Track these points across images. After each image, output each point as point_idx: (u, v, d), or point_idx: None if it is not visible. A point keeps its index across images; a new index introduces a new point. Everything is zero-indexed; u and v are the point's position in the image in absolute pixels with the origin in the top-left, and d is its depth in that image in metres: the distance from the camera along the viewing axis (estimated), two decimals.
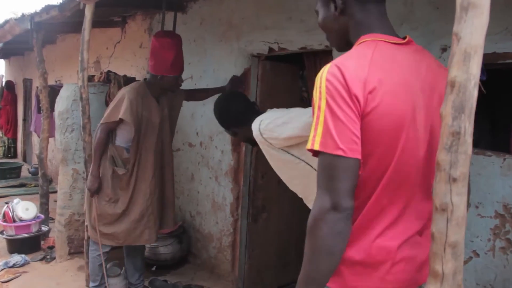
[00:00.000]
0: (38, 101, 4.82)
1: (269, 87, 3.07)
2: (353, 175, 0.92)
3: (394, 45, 1.03)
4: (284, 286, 3.32)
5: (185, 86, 3.06)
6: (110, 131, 2.69)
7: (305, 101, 3.31)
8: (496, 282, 1.78)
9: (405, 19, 2.06)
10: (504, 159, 1.76)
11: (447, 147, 0.79)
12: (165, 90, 2.75)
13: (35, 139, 7.44)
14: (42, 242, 3.98)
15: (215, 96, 2.94)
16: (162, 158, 2.83)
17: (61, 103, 3.67)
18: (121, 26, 4.79)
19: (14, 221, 3.81)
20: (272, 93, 3.08)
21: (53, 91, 4.58)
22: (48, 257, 3.69)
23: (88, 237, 2.85)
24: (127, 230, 2.70)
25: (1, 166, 7.14)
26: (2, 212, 3.88)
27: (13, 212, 3.82)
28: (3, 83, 9.96)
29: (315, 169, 1.49)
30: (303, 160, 1.53)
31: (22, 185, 6.50)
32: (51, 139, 4.75)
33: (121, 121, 2.61)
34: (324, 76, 0.95)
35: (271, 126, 1.57)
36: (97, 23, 3.74)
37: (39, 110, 4.80)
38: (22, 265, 3.52)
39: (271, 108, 1.79)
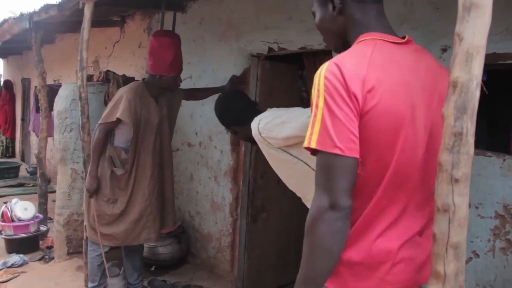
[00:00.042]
0: (37, 101, 4.82)
1: (269, 87, 3.07)
2: (351, 174, 0.92)
3: (393, 44, 1.03)
4: (284, 286, 3.32)
5: (184, 86, 3.05)
6: (109, 131, 2.68)
7: (305, 101, 3.31)
8: (496, 282, 1.78)
9: (405, 19, 2.06)
10: (504, 160, 1.76)
11: (449, 148, 0.79)
12: (163, 89, 2.74)
13: (33, 138, 7.43)
14: (40, 242, 3.97)
15: (214, 96, 2.95)
16: (161, 158, 2.82)
17: (60, 103, 3.66)
18: (120, 26, 4.78)
19: (13, 221, 3.80)
20: (272, 93, 3.08)
21: (52, 91, 4.58)
22: (46, 257, 3.68)
23: (87, 237, 2.84)
24: (126, 230, 2.70)
25: None
26: (1, 212, 3.86)
27: (11, 212, 3.81)
28: (2, 83, 9.94)
29: (313, 169, 1.49)
30: (301, 160, 1.54)
31: (20, 185, 6.48)
32: (49, 139, 4.74)
33: (119, 121, 2.60)
34: (322, 74, 0.95)
35: (270, 125, 1.57)
36: (96, 23, 3.73)
37: (37, 109, 4.80)
38: (21, 265, 3.52)
39: (270, 107, 1.79)
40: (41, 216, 4.08)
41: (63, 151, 3.64)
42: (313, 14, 1.18)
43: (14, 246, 3.78)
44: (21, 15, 4.12)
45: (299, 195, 1.68)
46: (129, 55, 4.64)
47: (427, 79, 1.02)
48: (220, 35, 3.30)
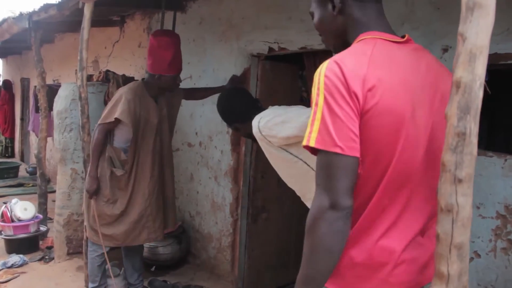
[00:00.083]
0: (36, 101, 4.81)
1: (269, 87, 3.06)
2: (352, 173, 0.91)
3: (393, 43, 1.02)
4: (284, 286, 3.32)
5: (184, 86, 3.05)
6: (108, 131, 2.67)
7: (305, 101, 3.31)
8: (498, 283, 1.78)
9: (406, 19, 2.06)
10: (505, 160, 1.76)
11: (453, 148, 0.79)
12: (163, 89, 2.73)
13: (32, 138, 7.42)
14: (40, 242, 3.97)
15: (214, 96, 2.95)
16: (162, 158, 2.82)
17: (59, 103, 3.65)
18: (119, 26, 4.77)
19: (13, 221, 3.79)
20: (272, 93, 3.07)
21: (51, 91, 4.57)
22: (46, 257, 3.67)
23: (87, 238, 2.83)
24: (126, 231, 2.69)
25: None
26: (0, 212, 3.86)
27: (11, 212, 3.80)
28: (1, 82, 9.93)
29: (312, 168, 1.49)
30: (301, 159, 1.54)
31: (20, 185, 6.47)
32: (49, 139, 4.74)
33: (118, 121, 2.59)
34: (322, 72, 0.94)
35: (270, 124, 1.57)
36: (95, 22, 3.72)
37: (37, 109, 4.79)
38: (21, 266, 3.51)
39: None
40: (41, 216, 4.07)
41: (63, 151, 3.64)
42: (311, 14, 1.18)
43: (14, 246, 3.77)
44: (21, 14, 4.11)
45: (298, 194, 1.68)
46: (129, 55, 4.64)
47: (427, 78, 1.02)
48: (220, 35, 3.30)
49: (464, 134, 0.78)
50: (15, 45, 6.60)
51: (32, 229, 3.88)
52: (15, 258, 3.55)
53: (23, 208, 3.85)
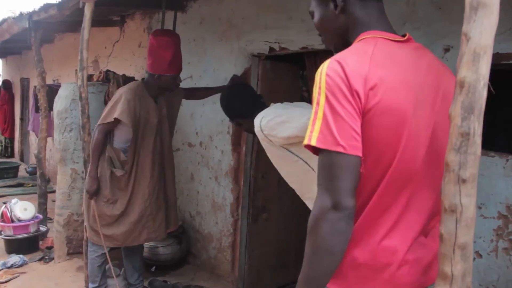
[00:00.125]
0: (36, 101, 4.81)
1: (270, 87, 3.06)
2: (354, 173, 0.90)
3: (394, 42, 1.02)
4: (284, 286, 3.32)
5: (184, 85, 3.04)
6: (108, 132, 2.67)
7: (306, 101, 3.30)
8: (499, 283, 1.78)
9: (408, 19, 2.06)
10: (507, 160, 1.76)
11: (456, 148, 0.79)
12: (163, 89, 2.72)
13: (32, 138, 7.42)
14: (40, 243, 3.96)
15: (215, 96, 2.94)
16: (162, 159, 2.81)
17: (59, 103, 3.65)
18: (120, 26, 4.77)
19: (12, 221, 3.79)
20: (273, 93, 3.06)
21: (51, 91, 4.57)
22: (46, 257, 3.67)
23: (87, 238, 2.83)
24: (126, 232, 2.68)
25: None
26: (0, 212, 3.85)
27: (11, 212, 3.80)
28: (0, 82, 9.92)
29: (312, 168, 1.49)
30: (301, 158, 1.54)
31: (19, 185, 6.47)
32: (49, 139, 4.73)
33: (118, 121, 2.58)
34: (324, 71, 0.94)
35: (271, 123, 1.57)
36: (95, 22, 3.71)
37: (37, 109, 4.79)
38: (21, 266, 3.51)
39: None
40: (40, 216, 4.07)
41: (63, 151, 3.63)
42: (311, 14, 1.17)
43: (14, 246, 3.77)
44: (21, 14, 4.11)
45: (298, 193, 1.69)
46: (129, 55, 4.64)
47: (429, 77, 1.01)
48: (220, 35, 3.29)
49: (468, 134, 0.78)
50: (15, 45, 6.59)
51: (32, 229, 3.87)
52: (15, 258, 3.55)
53: (23, 208, 3.84)
